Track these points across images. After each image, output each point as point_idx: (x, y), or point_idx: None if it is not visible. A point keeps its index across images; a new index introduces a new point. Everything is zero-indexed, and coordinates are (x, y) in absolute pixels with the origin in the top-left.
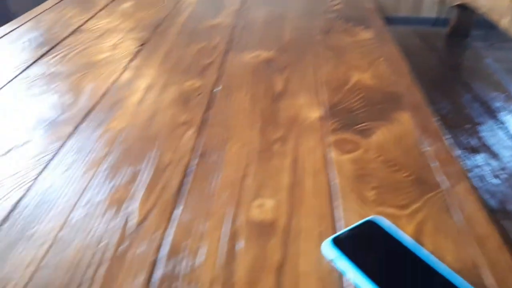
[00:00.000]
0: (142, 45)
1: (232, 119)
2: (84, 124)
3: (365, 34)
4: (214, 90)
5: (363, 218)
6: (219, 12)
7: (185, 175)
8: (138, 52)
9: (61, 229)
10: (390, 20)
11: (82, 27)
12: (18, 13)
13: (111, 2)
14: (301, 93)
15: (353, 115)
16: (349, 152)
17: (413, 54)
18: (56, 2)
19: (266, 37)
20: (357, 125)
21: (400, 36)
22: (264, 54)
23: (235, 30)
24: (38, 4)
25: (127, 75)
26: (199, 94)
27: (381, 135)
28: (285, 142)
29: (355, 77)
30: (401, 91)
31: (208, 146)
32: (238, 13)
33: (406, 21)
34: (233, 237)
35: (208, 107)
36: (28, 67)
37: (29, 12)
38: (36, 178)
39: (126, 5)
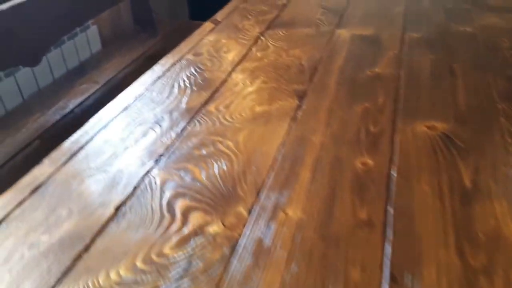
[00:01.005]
0: (300, 99)
1: (418, 223)
2: (256, 209)
3: None
4: (391, 175)
5: None
6: (377, 56)
7: None
8: (297, 109)
9: None
10: None
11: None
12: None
13: (265, 31)
14: (498, 195)
15: None
16: None
17: None
18: (207, 31)
19: (437, 99)
20: None
21: None
22: (440, 126)
23: (400, 84)
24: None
25: (291, 141)
26: (373, 180)
27: None
28: (490, 277)
29: None
30: None
31: (397, 264)
32: (399, 60)
33: None
34: None
35: (387, 199)
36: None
37: (179, 48)
38: None
39: (278, 35)
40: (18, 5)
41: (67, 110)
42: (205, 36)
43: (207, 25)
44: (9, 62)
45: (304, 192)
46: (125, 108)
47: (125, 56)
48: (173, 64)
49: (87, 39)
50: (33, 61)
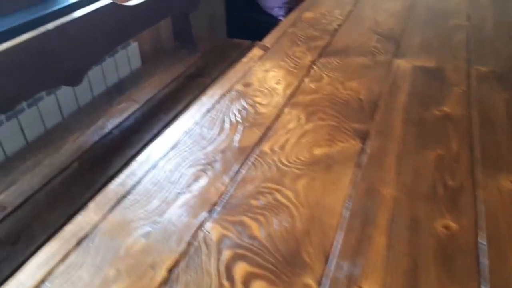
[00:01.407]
0: (363, 141)
1: None
2: (327, 282)
3: None
4: (479, 244)
5: None
6: (443, 92)
7: None
8: (361, 152)
9: None
10: None
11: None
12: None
13: (317, 59)
14: None
15: None
16: None
17: None
18: (256, 59)
19: None
20: None
21: None
22: None
23: (473, 127)
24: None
25: (357, 193)
26: (460, 249)
27: None
28: None
29: None
30: None
31: None
32: (468, 98)
33: None
34: None
35: (479, 276)
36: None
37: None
38: None
39: (332, 65)
40: (63, 25)
41: (106, 130)
42: (254, 63)
43: (256, 51)
44: (53, 82)
45: (381, 262)
46: (175, 146)
47: (165, 74)
48: (223, 96)
49: (127, 56)
50: (75, 81)
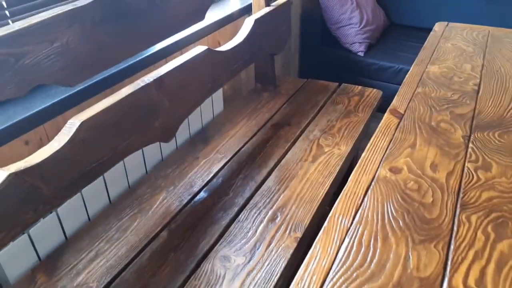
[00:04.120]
0: None
1: None
2: None
3: None
4: None
5: None
6: None
7: None
8: None
9: None
10: None
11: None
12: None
13: (471, 135)
14: None
15: None
16: None
17: None
18: (392, 130)
19: None
20: None
21: None
22: None
23: None
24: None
25: None
26: None
27: None
28: None
29: None
30: None
31: None
32: None
33: None
34: None
35: None
36: None
37: None
38: None
39: (492, 144)
40: (161, 77)
41: (195, 189)
42: (392, 136)
43: (389, 119)
44: (147, 139)
45: None
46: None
47: (249, 121)
48: (366, 188)
49: (211, 102)
50: (169, 136)
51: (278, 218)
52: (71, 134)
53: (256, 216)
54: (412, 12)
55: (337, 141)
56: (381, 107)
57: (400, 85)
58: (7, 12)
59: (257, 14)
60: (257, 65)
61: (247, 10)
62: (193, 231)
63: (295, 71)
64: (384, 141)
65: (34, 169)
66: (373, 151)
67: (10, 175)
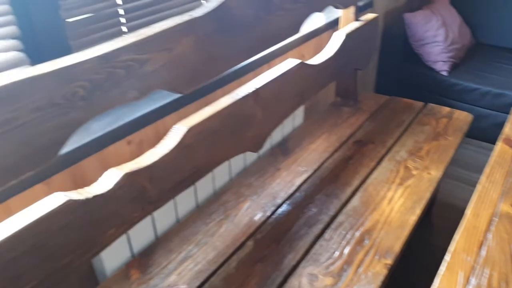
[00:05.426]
0: None
1: None
2: None
3: None
4: None
5: None
6: None
7: None
8: None
9: None
10: None
11: None
12: None
13: None
14: None
15: None
16: None
17: None
18: (509, 162)
19: None
20: None
21: None
22: None
23: None
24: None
25: None
26: None
27: None
28: None
29: None
30: None
31: None
32: None
33: None
34: None
35: None
36: None
37: None
38: None
39: None
40: (258, 89)
41: (278, 201)
42: (508, 167)
43: (503, 149)
44: (239, 149)
45: None
46: None
47: (330, 136)
48: (487, 223)
49: (293, 113)
50: (259, 146)
51: (366, 242)
52: (179, 138)
53: (343, 237)
54: (500, 32)
55: (426, 165)
56: (468, 132)
57: (487, 108)
58: (123, 19)
59: (346, 28)
60: (340, 80)
61: (333, 25)
62: (279, 244)
63: (371, 87)
64: (501, 173)
65: (144, 171)
66: (490, 183)
67: (125, 175)
